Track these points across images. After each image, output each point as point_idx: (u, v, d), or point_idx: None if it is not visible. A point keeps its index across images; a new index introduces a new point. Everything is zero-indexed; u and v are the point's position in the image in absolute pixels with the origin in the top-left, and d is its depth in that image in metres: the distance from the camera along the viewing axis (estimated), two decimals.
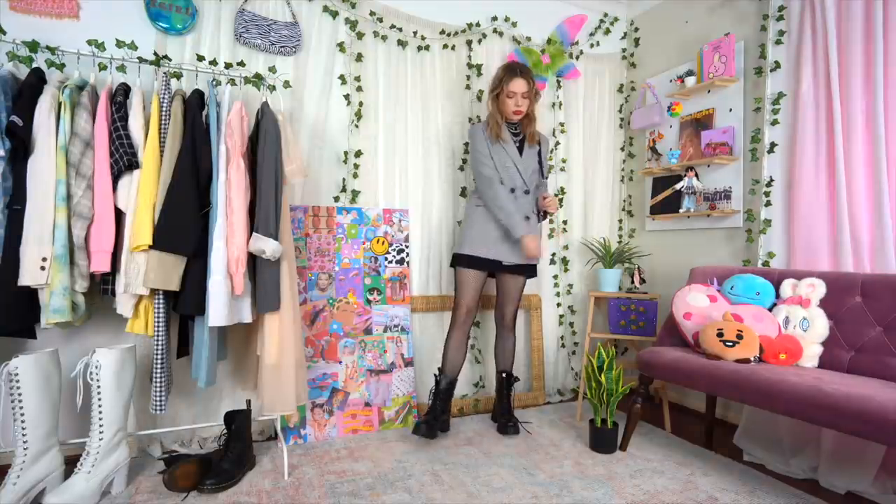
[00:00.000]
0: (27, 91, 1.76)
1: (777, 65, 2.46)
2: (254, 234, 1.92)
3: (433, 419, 2.32)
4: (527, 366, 3.12)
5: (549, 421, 2.72)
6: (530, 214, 2.45)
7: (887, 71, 2.04)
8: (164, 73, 2.03)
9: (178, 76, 2.12)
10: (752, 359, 1.96)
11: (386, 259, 2.71)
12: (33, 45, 1.89)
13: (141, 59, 2.02)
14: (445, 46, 2.90)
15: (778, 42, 2.46)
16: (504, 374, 2.63)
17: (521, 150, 2.47)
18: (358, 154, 2.68)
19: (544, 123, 3.20)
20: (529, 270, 2.55)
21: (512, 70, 2.38)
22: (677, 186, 2.91)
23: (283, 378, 2.01)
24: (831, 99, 2.16)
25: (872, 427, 1.49)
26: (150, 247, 1.79)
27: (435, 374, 2.52)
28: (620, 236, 3.42)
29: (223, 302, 1.84)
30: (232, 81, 2.17)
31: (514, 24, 3.07)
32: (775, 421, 2.21)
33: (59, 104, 1.77)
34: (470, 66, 2.96)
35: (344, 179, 2.67)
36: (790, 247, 2.34)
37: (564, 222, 3.25)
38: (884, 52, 2.04)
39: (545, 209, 2.54)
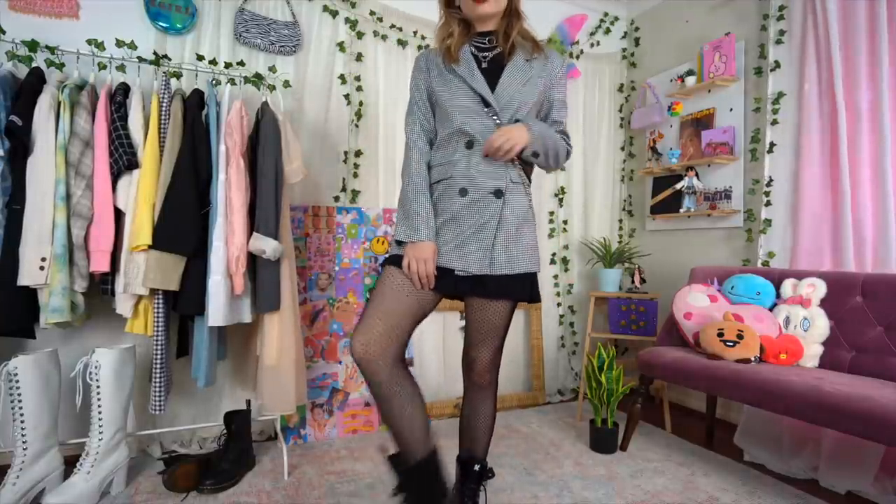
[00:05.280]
0: (26, 91, 1.75)
1: (777, 64, 2.45)
2: (254, 233, 1.92)
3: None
4: (527, 366, 3.11)
5: (549, 421, 2.72)
6: (506, 186, 1.36)
7: (892, 68, 2.03)
8: (164, 72, 2.03)
9: (178, 76, 2.12)
10: (753, 359, 1.96)
11: None
12: (33, 45, 1.89)
13: (140, 59, 2.02)
14: None
15: (778, 42, 2.45)
16: (475, 467, 1.54)
17: (494, 73, 1.38)
18: (358, 154, 2.67)
19: None
20: (513, 288, 1.39)
21: None
22: (678, 186, 2.90)
23: (283, 378, 2.01)
24: (834, 98, 2.15)
25: (873, 427, 1.49)
26: (150, 247, 1.79)
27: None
28: (620, 236, 3.42)
29: (223, 302, 1.84)
30: (232, 81, 2.17)
31: None
32: (775, 421, 2.21)
33: (59, 104, 1.76)
34: None
35: (344, 179, 2.67)
36: (794, 246, 2.33)
37: (565, 222, 3.24)
38: (889, 49, 2.03)
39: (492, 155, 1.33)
